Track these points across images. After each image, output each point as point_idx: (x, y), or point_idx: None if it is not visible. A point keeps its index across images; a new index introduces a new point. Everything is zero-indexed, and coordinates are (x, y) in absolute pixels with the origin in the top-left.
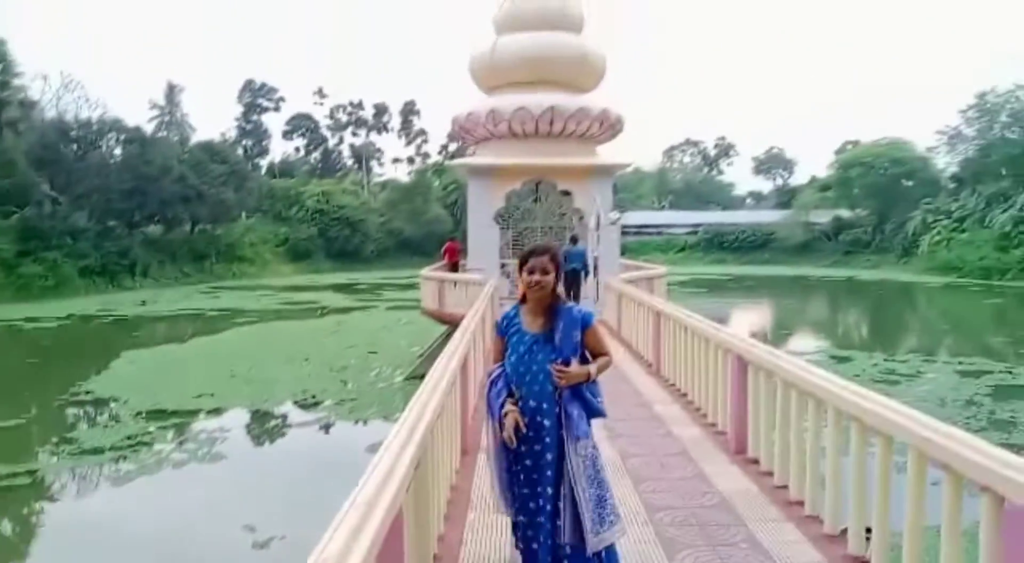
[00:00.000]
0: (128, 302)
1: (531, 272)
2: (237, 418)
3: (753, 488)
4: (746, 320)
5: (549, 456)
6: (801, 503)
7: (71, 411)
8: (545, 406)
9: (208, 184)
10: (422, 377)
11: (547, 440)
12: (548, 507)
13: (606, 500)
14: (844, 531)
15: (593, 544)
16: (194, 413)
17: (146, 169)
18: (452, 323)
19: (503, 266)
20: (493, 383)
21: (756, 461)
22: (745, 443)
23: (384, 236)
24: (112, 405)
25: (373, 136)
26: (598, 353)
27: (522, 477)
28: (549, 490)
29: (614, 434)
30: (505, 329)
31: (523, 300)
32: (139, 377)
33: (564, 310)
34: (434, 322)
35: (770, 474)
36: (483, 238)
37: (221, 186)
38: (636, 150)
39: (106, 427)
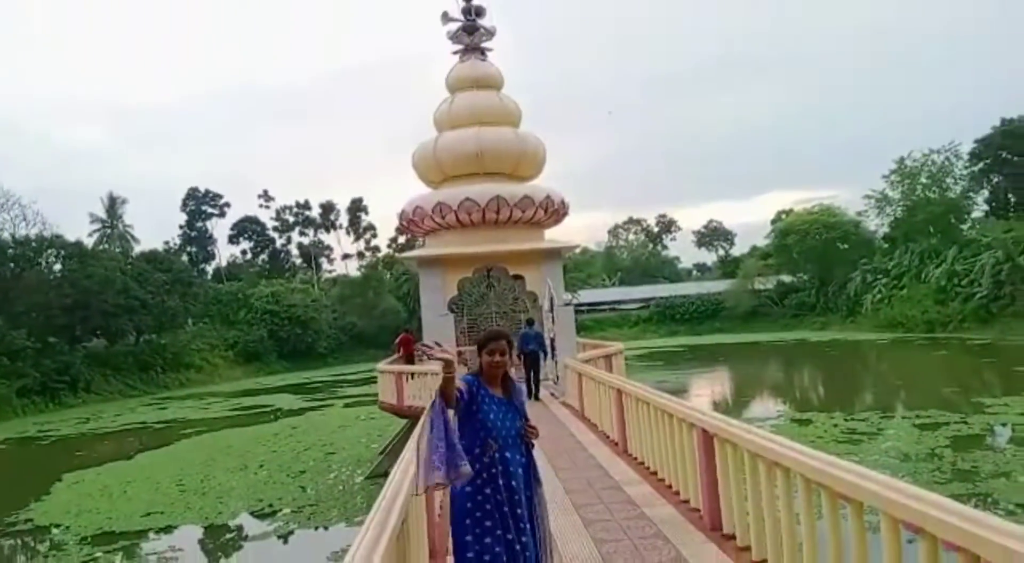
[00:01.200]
0: (70, 420)
1: (491, 354)
2: (190, 535)
3: None
4: (706, 389)
5: (524, 497)
6: None
7: (7, 543)
8: (518, 457)
9: (152, 293)
10: (385, 475)
11: (522, 485)
12: (529, 540)
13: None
14: None
15: None
16: (143, 533)
17: (87, 283)
18: (412, 416)
19: (460, 354)
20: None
21: (732, 536)
22: (719, 519)
23: (337, 332)
24: (54, 532)
25: (321, 234)
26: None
27: (498, 521)
28: (528, 526)
29: (587, 521)
30: (476, 388)
31: (480, 372)
32: (83, 499)
33: (513, 381)
34: (393, 416)
35: (748, 549)
36: (438, 327)
37: (165, 294)
38: (583, 231)
39: (47, 557)
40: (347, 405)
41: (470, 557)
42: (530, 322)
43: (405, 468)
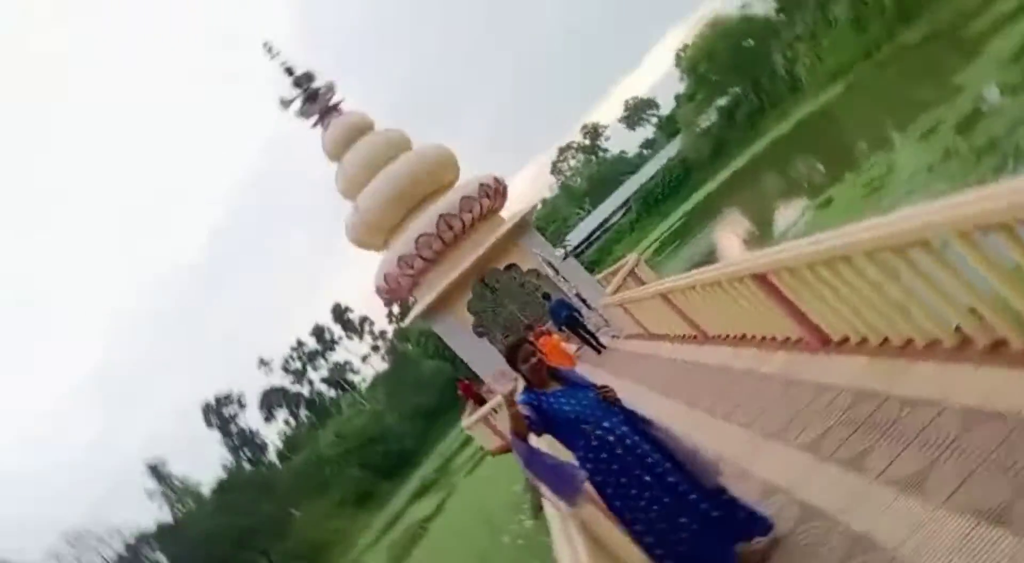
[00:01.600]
0: None
1: (525, 362)
2: None
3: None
4: (729, 236)
5: (646, 446)
6: None
7: None
8: (615, 420)
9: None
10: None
11: (636, 439)
12: (676, 477)
13: (698, 451)
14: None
15: (709, 481)
16: None
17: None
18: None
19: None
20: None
21: (845, 339)
22: (822, 333)
23: (409, 422)
24: None
25: (331, 356)
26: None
27: (639, 484)
28: (668, 464)
29: (724, 414)
30: (536, 401)
31: (530, 385)
32: None
33: (558, 369)
34: (508, 455)
35: (865, 340)
36: (480, 356)
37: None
38: (531, 187)
39: None
40: (468, 473)
41: (641, 529)
42: (547, 296)
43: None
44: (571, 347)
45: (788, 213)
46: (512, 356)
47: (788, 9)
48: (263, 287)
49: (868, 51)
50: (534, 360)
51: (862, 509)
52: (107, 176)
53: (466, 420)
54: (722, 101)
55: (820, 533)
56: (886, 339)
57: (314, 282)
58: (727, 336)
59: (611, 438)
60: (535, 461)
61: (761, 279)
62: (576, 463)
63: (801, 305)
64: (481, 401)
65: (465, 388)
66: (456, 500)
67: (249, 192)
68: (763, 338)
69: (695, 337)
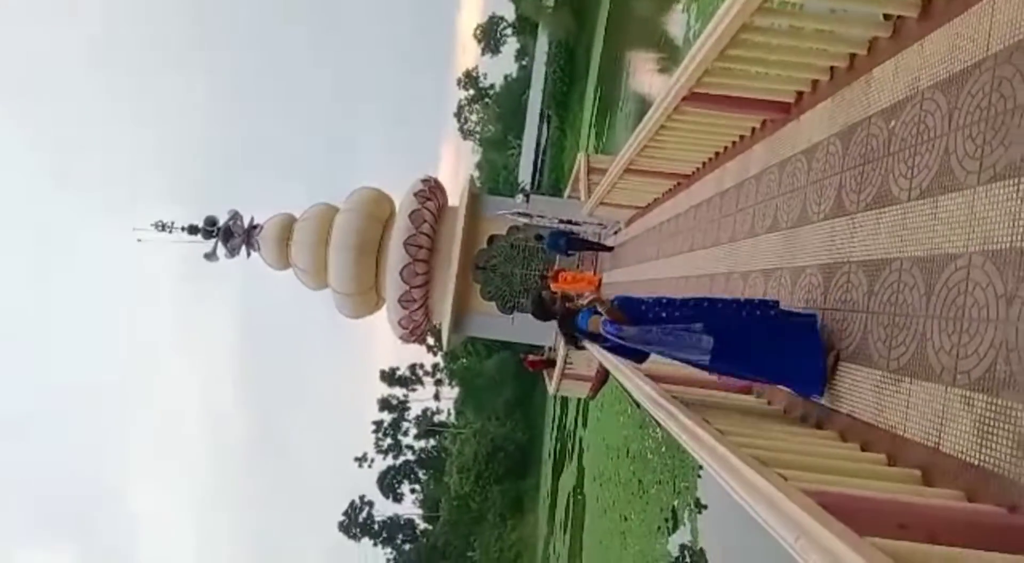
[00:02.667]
0: None
1: (556, 314)
2: None
3: None
4: (648, 75)
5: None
6: None
7: None
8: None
9: None
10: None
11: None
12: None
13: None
14: None
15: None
16: None
17: None
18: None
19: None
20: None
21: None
22: (784, 103)
23: (506, 421)
24: None
25: (408, 414)
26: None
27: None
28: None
29: (749, 226)
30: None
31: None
32: None
33: (573, 310)
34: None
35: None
36: (523, 328)
37: None
38: (459, 164)
39: None
40: (583, 427)
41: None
42: (539, 237)
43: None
44: (587, 272)
45: (677, 19)
46: (544, 314)
47: None
48: (313, 413)
49: None
50: (559, 306)
51: (914, 235)
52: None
53: (551, 386)
54: None
55: (896, 278)
56: (832, 69)
57: (351, 371)
58: (704, 166)
59: (663, 301)
60: (627, 336)
61: (691, 98)
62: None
63: (742, 94)
64: (551, 363)
65: (531, 363)
66: (589, 455)
67: (252, 348)
68: (733, 145)
69: (679, 185)
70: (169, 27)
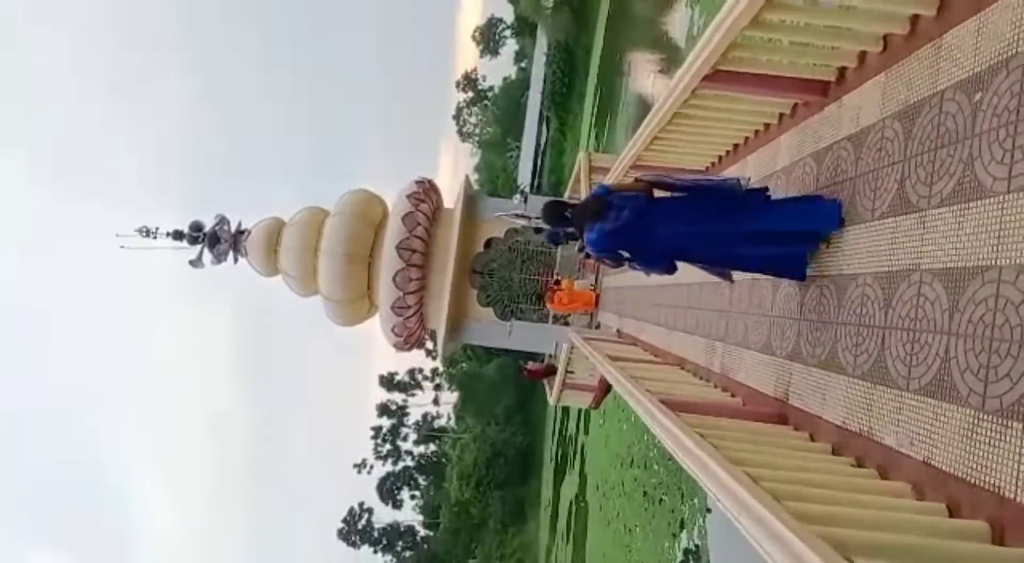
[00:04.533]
0: None
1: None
2: None
3: None
4: (648, 75)
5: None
6: None
7: None
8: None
9: None
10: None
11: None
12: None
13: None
14: None
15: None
16: None
17: None
18: (607, 387)
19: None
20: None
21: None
22: (824, 82)
23: (506, 426)
24: None
25: (407, 419)
26: None
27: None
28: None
29: None
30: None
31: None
32: None
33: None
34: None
35: None
36: (523, 336)
37: None
38: (457, 167)
39: None
40: (584, 433)
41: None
42: (538, 230)
43: None
44: (584, 283)
45: (678, 18)
46: (572, 219)
47: None
48: (311, 419)
49: None
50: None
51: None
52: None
53: (551, 397)
54: None
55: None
56: (885, 38)
57: (350, 376)
58: (722, 159)
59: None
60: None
61: (713, 77)
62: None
63: (772, 71)
64: (552, 371)
65: (531, 372)
66: (591, 463)
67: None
68: (756, 134)
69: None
70: (163, 28)
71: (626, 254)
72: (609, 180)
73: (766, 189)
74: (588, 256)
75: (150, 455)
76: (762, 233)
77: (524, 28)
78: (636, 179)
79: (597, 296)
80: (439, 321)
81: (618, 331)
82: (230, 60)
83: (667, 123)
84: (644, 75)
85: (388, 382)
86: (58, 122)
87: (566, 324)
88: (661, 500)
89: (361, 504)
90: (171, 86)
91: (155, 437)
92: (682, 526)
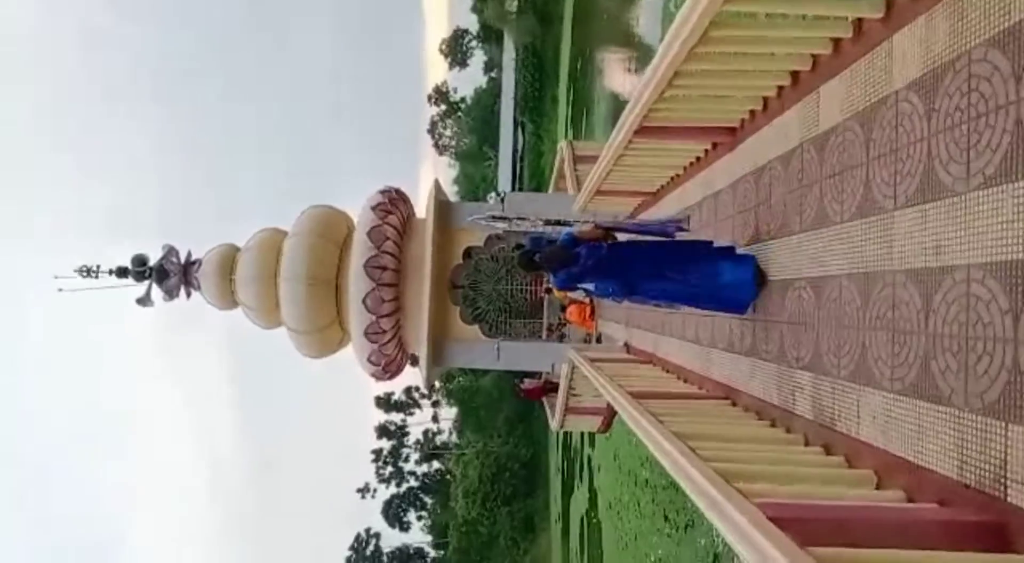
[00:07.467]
0: None
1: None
2: None
3: None
4: (619, 73)
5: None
6: None
7: None
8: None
9: None
10: None
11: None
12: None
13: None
14: None
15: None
16: None
17: None
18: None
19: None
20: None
21: None
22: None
23: (509, 439)
24: None
25: (407, 440)
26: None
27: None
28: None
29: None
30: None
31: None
32: None
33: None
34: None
35: None
36: (516, 354)
37: None
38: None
39: None
40: (590, 446)
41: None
42: (519, 246)
43: None
44: (577, 294)
45: (645, 13)
46: (532, 267)
47: None
48: (310, 446)
49: None
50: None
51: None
52: None
53: (554, 422)
54: None
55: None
56: (795, 74)
57: (345, 400)
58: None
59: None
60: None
61: (643, 132)
62: None
63: (697, 117)
64: (552, 387)
65: (527, 392)
66: (601, 477)
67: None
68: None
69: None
70: (129, 53)
71: (588, 287)
72: (575, 228)
73: (711, 243)
74: (549, 290)
75: (147, 489)
76: (706, 280)
77: (490, 35)
78: (595, 225)
79: (592, 307)
80: (420, 344)
81: (626, 345)
82: (194, 87)
83: (618, 155)
84: (616, 68)
85: (385, 402)
86: None
87: (561, 339)
88: (687, 527)
89: (368, 530)
90: (128, 110)
91: (151, 485)
92: (716, 560)
